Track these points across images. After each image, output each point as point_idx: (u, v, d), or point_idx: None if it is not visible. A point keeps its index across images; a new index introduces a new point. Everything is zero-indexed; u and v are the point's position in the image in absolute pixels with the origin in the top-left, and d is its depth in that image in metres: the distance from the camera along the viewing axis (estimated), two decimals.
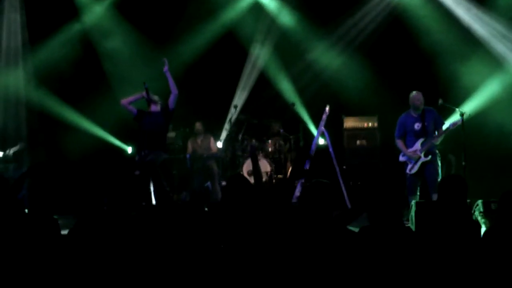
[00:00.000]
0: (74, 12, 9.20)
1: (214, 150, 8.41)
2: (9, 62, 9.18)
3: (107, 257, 2.81)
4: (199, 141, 8.48)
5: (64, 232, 3.49)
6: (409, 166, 6.32)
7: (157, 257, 2.85)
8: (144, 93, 6.56)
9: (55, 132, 9.07)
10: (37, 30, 9.17)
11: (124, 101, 6.65)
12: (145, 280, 2.77)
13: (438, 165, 6.27)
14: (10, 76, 9.12)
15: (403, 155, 6.42)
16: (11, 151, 7.16)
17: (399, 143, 6.44)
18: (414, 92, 6.40)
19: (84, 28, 9.28)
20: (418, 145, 6.28)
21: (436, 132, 6.29)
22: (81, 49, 9.19)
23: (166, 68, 6.48)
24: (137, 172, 6.43)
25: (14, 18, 9.18)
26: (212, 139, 8.47)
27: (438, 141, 6.28)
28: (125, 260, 2.82)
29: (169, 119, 6.76)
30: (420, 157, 6.25)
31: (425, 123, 6.27)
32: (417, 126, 6.32)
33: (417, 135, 6.32)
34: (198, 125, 8.45)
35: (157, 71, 6.55)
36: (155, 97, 6.69)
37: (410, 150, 6.32)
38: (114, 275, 2.77)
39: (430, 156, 6.21)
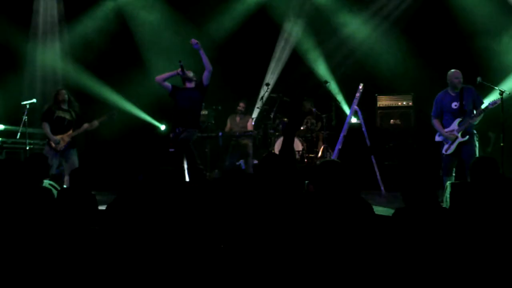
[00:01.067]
0: None
1: (250, 128, 8.42)
2: (46, 38, 9.36)
3: (143, 233, 2.87)
4: (238, 119, 8.50)
5: (102, 207, 3.59)
6: (446, 147, 6.19)
7: (190, 233, 2.89)
8: (179, 70, 6.59)
9: (91, 109, 9.25)
10: (72, 5, 9.29)
11: (159, 78, 6.69)
12: (177, 256, 2.82)
13: (475, 145, 6.10)
14: (47, 53, 9.31)
15: (439, 135, 6.28)
16: None
17: (436, 123, 6.29)
18: (452, 70, 6.21)
19: (118, 4, 9.35)
20: (455, 125, 6.12)
21: (475, 111, 6.11)
22: (116, 24, 9.28)
23: (197, 46, 6.46)
24: (171, 149, 6.50)
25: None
26: (250, 120, 8.48)
27: (476, 121, 6.10)
28: (160, 236, 2.88)
29: (203, 95, 6.78)
30: (457, 138, 6.10)
31: (463, 102, 6.09)
32: (454, 105, 6.15)
33: (455, 114, 6.15)
34: (242, 105, 8.49)
35: (191, 46, 6.53)
36: (190, 74, 6.71)
37: (447, 130, 6.17)
38: (149, 250, 2.83)
39: (467, 137, 6.05)
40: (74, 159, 6.70)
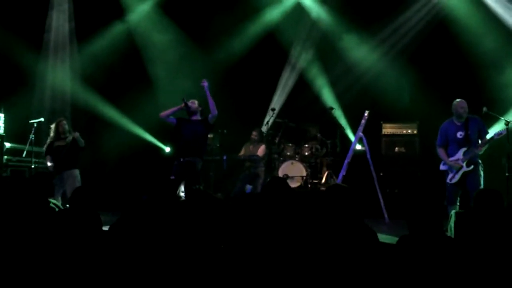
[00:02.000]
0: (119, 11, 9.44)
1: (258, 154, 8.37)
2: (56, 57, 9.49)
3: (146, 252, 2.87)
4: (251, 147, 8.49)
5: (105, 228, 3.58)
6: (450, 176, 6.17)
7: (194, 253, 2.88)
8: (182, 105, 6.62)
9: (97, 130, 9.32)
10: (84, 25, 9.43)
11: (163, 114, 6.73)
12: (179, 274, 2.81)
13: (480, 175, 6.08)
14: (57, 72, 9.43)
15: (444, 164, 6.26)
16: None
17: (441, 152, 6.29)
18: (458, 100, 6.23)
19: (129, 27, 9.50)
20: (460, 154, 6.11)
21: (480, 141, 6.11)
22: (126, 45, 9.41)
23: (206, 87, 6.51)
24: (172, 177, 6.49)
25: (62, 16, 9.49)
26: (263, 146, 8.38)
27: (481, 151, 6.09)
28: (164, 255, 2.87)
29: (209, 131, 6.83)
30: (462, 167, 6.08)
31: (469, 132, 6.09)
32: (459, 134, 6.15)
33: (460, 144, 6.14)
34: (254, 134, 8.44)
35: (198, 71, 6.61)
36: (195, 105, 6.73)
37: (452, 159, 6.16)
38: (152, 269, 2.82)
39: (472, 166, 6.04)
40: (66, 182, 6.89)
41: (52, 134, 7.06)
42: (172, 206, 3.40)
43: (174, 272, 2.72)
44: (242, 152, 8.57)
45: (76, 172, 6.88)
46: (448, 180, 6.19)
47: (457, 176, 6.09)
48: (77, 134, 6.88)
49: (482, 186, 6.03)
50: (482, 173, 6.09)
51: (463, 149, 6.09)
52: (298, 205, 3.30)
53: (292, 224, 3.02)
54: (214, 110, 6.57)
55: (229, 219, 3.17)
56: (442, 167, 6.30)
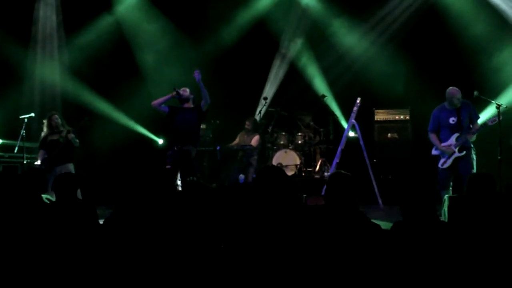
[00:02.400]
0: (107, 2, 9.34)
1: (251, 143, 8.35)
2: (45, 51, 9.39)
3: (141, 245, 2.86)
4: (245, 136, 8.47)
5: (99, 221, 3.57)
6: (442, 161, 6.20)
7: (191, 244, 2.88)
8: (174, 93, 6.60)
9: (88, 123, 9.25)
10: (71, 17, 9.33)
11: (155, 102, 6.70)
12: (175, 268, 2.81)
13: (473, 159, 6.11)
14: (46, 66, 9.33)
15: (436, 149, 6.29)
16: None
17: (432, 137, 6.30)
18: (450, 88, 6.21)
19: (117, 18, 9.41)
20: (453, 139, 6.13)
21: (471, 126, 6.13)
22: (114, 37, 9.32)
23: (198, 78, 6.46)
24: (168, 166, 6.48)
25: (49, 9, 9.38)
26: (257, 137, 8.37)
27: (473, 138, 6.11)
28: (158, 248, 2.87)
29: (202, 119, 6.80)
30: (454, 152, 6.11)
31: (461, 117, 6.10)
32: (452, 120, 6.16)
33: (452, 129, 6.16)
34: (247, 124, 8.41)
35: (188, 61, 6.56)
36: (186, 93, 6.71)
37: (444, 144, 6.18)
38: (147, 263, 2.82)
39: (464, 152, 6.06)
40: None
41: (45, 129, 6.94)
42: (169, 196, 3.39)
43: (170, 265, 2.72)
44: (236, 141, 8.56)
45: (70, 166, 6.81)
46: (440, 165, 6.22)
47: (449, 161, 6.12)
48: (71, 136, 6.73)
49: (475, 170, 6.07)
50: (474, 156, 6.12)
51: (456, 135, 6.12)
52: (293, 193, 3.29)
53: (286, 213, 3.02)
54: (207, 99, 6.55)
55: (224, 210, 3.17)
56: (434, 152, 6.33)
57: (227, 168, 8.44)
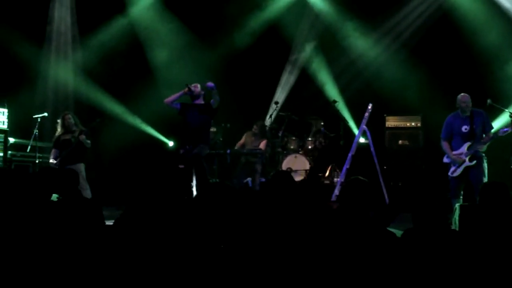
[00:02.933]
0: (121, 4, 9.41)
1: (260, 147, 8.33)
2: (59, 51, 9.47)
3: (151, 247, 2.87)
4: (253, 138, 8.46)
5: (109, 223, 3.58)
6: (452, 169, 6.15)
7: (198, 249, 2.88)
8: (186, 90, 6.65)
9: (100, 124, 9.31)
10: (85, 21, 9.41)
11: (168, 100, 6.74)
12: (185, 270, 2.80)
13: (484, 167, 6.05)
14: (59, 66, 9.41)
15: (447, 157, 6.25)
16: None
17: (444, 145, 6.26)
18: (461, 94, 6.18)
19: (130, 20, 9.47)
20: (464, 148, 6.08)
21: (484, 136, 6.07)
22: (128, 39, 9.38)
23: (210, 86, 6.48)
24: (181, 166, 6.50)
25: (64, 9, 9.47)
26: (265, 141, 8.36)
27: (484, 148, 6.05)
28: (168, 251, 2.87)
29: (213, 116, 6.83)
30: (464, 161, 6.06)
31: (474, 126, 6.04)
32: (464, 128, 6.11)
33: (464, 138, 6.10)
34: (254, 128, 8.40)
35: (200, 64, 6.59)
36: (197, 89, 6.74)
37: (455, 152, 6.13)
38: (156, 265, 2.82)
39: (475, 161, 6.01)
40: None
41: (59, 128, 6.98)
42: (184, 198, 3.38)
43: (181, 268, 2.72)
44: (242, 141, 8.52)
45: (81, 166, 6.82)
46: (450, 173, 6.17)
47: (459, 170, 6.07)
48: (82, 137, 6.76)
49: (486, 179, 6.01)
50: (486, 165, 6.06)
51: (467, 144, 6.06)
52: (304, 198, 3.29)
53: (298, 219, 3.02)
54: (217, 98, 6.58)
55: (244, 213, 3.15)
56: (445, 160, 6.28)
57: (237, 172, 8.43)
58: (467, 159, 6.02)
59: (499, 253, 2.89)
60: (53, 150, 6.96)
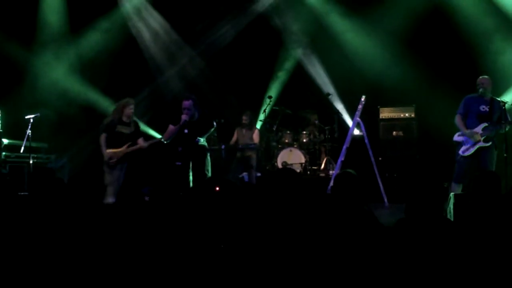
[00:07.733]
0: (112, 3, 9.37)
1: (255, 141, 8.28)
2: (50, 52, 9.42)
3: (147, 244, 2.87)
4: (244, 131, 8.40)
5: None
6: (464, 147, 5.90)
7: (197, 245, 2.89)
8: (182, 122, 6.26)
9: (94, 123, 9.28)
10: (77, 17, 9.35)
11: (167, 137, 6.42)
12: (183, 268, 2.81)
13: (494, 153, 5.87)
14: (50, 67, 9.37)
15: (459, 135, 5.99)
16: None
17: (458, 119, 5.99)
18: (481, 76, 6.05)
19: (122, 15, 9.43)
20: (480, 128, 5.85)
21: (503, 122, 5.84)
22: (120, 35, 9.34)
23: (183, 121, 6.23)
24: (178, 163, 6.38)
25: (54, 9, 9.41)
26: (256, 131, 8.32)
27: (503, 130, 5.83)
28: (165, 248, 2.87)
29: (209, 128, 6.64)
30: (479, 140, 5.83)
31: (493, 108, 5.86)
32: (483, 108, 5.91)
33: (481, 118, 5.89)
34: (244, 118, 8.29)
35: (194, 59, 6.52)
36: (190, 112, 6.30)
37: (470, 130, 5.91)
38: (155, 262, 2.83)
39: (490, 143, 5.81)
40: (119, 174, 6.29)
41: (116, 115, 6.29)
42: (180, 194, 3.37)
43: (182, 261, 2.73)
44: (235, 137, 8.48)
45: (124, 166, 6.38)
46: (461, 152, 5.93)
47: (472, 150, 5.86)
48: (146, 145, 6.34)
49: (493, 167, 5.86)
50: (495, 153, 5.91)
51: (484, 124, 5.88)
52: (305, 193, 3.29)
53: (298, 214, 3.03)
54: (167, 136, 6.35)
55: (247, 210, 3.14)
56: (456, 137, 6.05)
57: (233, 167, 8.43)
58: (482, 139, 5.86)
59: (489, 242, 2.90)
60: (103, 135, 6.25)
